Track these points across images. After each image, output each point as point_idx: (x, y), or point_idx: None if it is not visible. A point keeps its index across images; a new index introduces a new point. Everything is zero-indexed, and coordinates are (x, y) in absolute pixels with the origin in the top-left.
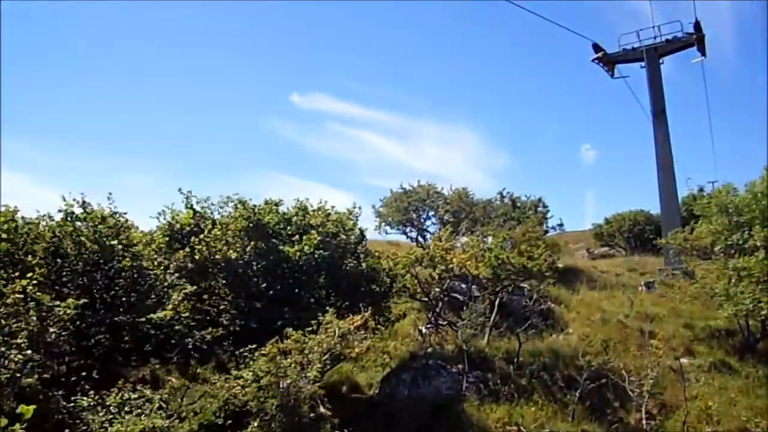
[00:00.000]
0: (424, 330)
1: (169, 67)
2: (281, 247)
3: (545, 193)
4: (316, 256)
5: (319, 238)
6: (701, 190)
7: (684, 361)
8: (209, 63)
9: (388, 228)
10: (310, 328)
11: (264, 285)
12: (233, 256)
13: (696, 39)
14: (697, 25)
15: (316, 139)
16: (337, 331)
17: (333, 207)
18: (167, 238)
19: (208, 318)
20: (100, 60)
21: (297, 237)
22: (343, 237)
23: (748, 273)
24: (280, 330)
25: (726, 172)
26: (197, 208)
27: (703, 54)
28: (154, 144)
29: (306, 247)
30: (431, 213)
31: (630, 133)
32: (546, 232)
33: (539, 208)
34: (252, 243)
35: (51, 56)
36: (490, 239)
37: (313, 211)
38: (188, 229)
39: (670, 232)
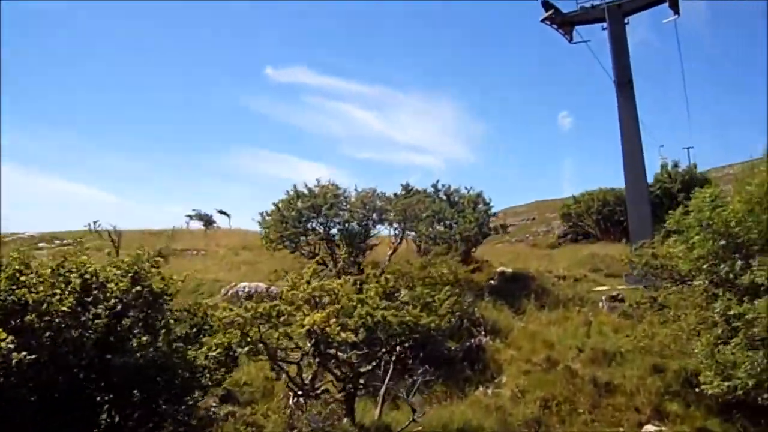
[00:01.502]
0: (291, 403)
1: (136, 39)
2: None
3: (522, 163)
4: None
5: None
6: (676, 165)
7: (650, 430)
8: (177, 35)
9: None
10: None
11: None
12: None
13: None
14: None
15: (292, 112)
16: None
17: None
18: None
19: None
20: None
21: None
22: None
23: (745, 325)
24: None
25: (702, 138)
26: None
27: (677, 12)
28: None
29: None
30: (333, 220)
31: (607, 101)
32: (487, 235)
33: (479, 206)
34: None
35: None
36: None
37: None
38: None
39: (635, 247)
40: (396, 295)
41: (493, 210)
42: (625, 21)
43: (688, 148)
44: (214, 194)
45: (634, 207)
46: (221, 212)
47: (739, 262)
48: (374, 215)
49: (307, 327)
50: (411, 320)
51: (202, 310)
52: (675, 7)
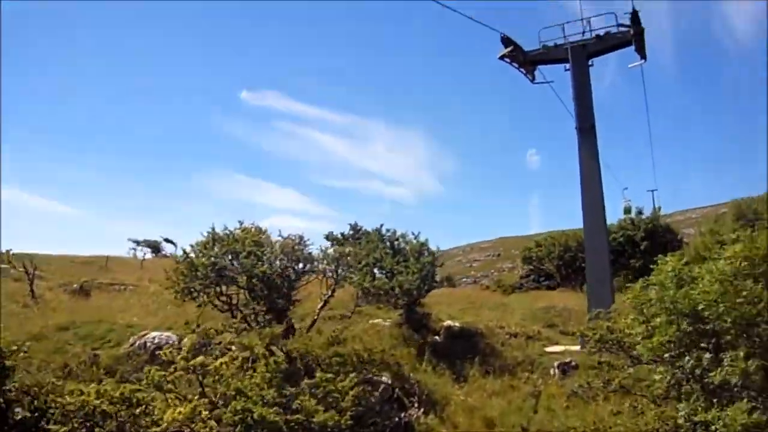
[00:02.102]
0: None
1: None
2: None
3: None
4: None
5: None
6: (640, 212)
7: None
8: (155, 54)
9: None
10: None
11: None
12: None
13: (633, 35)
14: (634, 17)
15: (266, 136)
16: None
17: None
18: None
19: None
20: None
21: None
22: None
23: None
24: None
25: (666, 182)
26: None
27: (643, 56)
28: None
29: None
30: (252, 269)
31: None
32: (430, 289)
33: (422, 256)
34: None
35: None
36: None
37: None
38: None
39: (589, 317)
40: (295, 378)
41: (444, 253)
42: (590, 63)
43: (652, 191)
44: (185, 216)
45: (592, 259)
46: (167, 240)
47: (708, 355)
48: (299, 265)
49: (165, 425)
50: (301, 418)
51: (45, 391)
52: (641, 51)
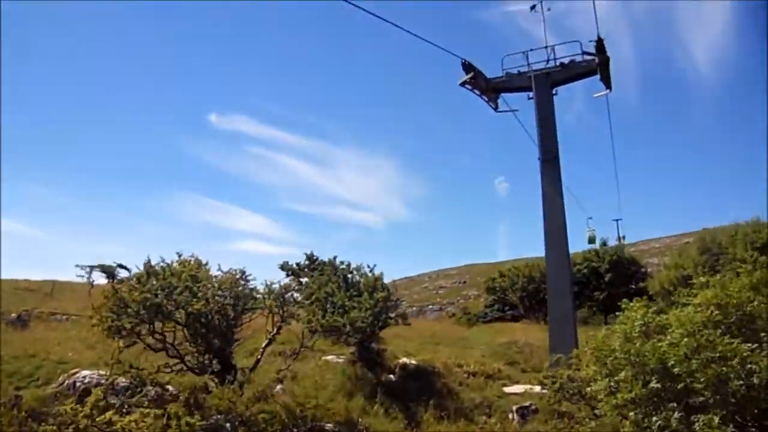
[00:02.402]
0: None
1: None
2: None
3: (458, 225)
4: None
5: None
6: (604, 243)
7: None
8: (120, 73)
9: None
10: None
11: None
12: None
13: (598, 64)
14: (599, 45)
15: (234, 161)
16: None
17: None
18: None
19: None
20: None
21: None
22: None
23: None
24: None
25: (631, 210)
26: None
27: (608, 86)
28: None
29: None
30: (188, 306)
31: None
32: (384, 326)
33: (376, 291)
34: None
35: None
36: None
37: None
38: None
39: (549, 363)
40: None
41: (410, 279)
42: (554, 92)
43: (617, 220)
44: (154, 237)
45: (554, 300)
46: (121, 266)
47: (678, 415)
48: (240, 302)
49: None
50: None
51: None
52: (606, 81)
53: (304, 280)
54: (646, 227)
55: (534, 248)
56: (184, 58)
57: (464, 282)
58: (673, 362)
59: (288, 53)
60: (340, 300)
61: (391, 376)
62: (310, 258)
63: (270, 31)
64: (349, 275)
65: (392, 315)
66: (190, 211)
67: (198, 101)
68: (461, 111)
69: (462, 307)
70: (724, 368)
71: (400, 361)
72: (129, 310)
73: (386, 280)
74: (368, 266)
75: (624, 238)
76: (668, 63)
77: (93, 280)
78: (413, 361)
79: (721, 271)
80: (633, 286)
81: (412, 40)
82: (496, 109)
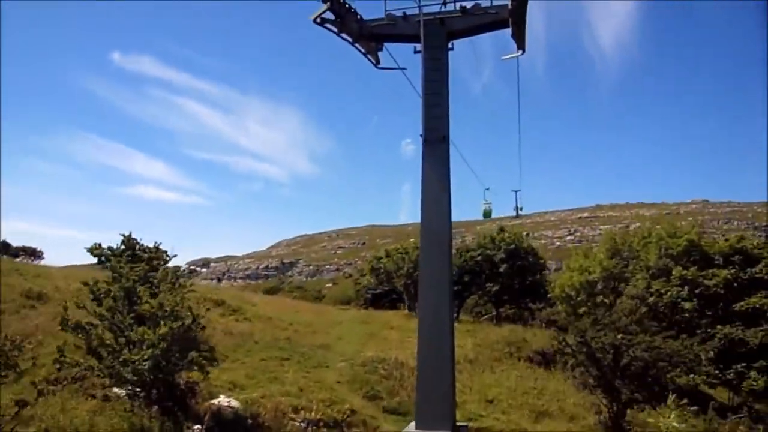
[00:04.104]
0: None
1: None
2: None
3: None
4: None
5: None
6: (502, 230)
7: None
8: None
9: None
10: None
11: None
12: None
13: (511, 12)
14: None
15: (135, 102)
16: None
17: None
18: None
19: None
20: None
21: None
22: None
23: None
24: None
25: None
26: None
27: (521, 47)
28: None
29: None
30: None
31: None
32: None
33: (170, 318)
34: None
35: None
36: None
37: None
38: None
39: (417, 401)
40: None
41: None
42: (449, 46)
43: (516, 191)
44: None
45: (429, 302)
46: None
47: None
48: None
49: None
50: None
51: None
52: (520, 40)
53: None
54: (544, 201)
55: None
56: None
57: (363, 243)
58: None
59: None
60: (124, 322)
61: (197, 427)
62: (128, 242)
63: None
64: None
65: (191, 356)
66: (87, 151)
67: (100, 37)
68: (371, 69)
69: (353, 277)
70: None
71: (215, 403)
72: None
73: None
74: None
75: (521, 209)
76: (575, 40)
77: None
78: (233, 403)
79: (631, 281)
80: (530, 278)
81: None
82: (377, 64)
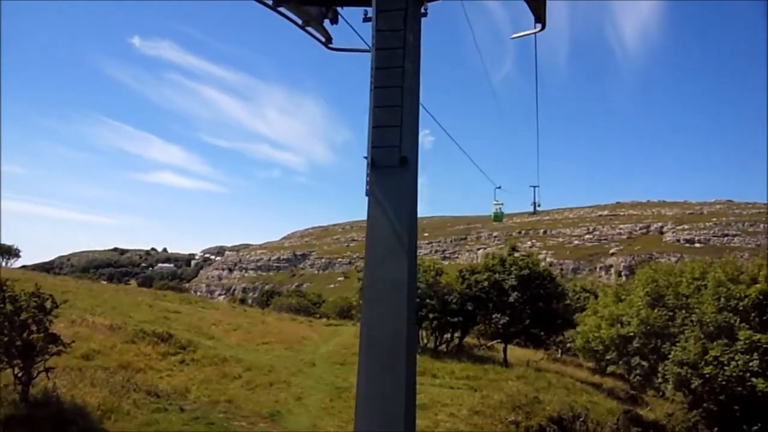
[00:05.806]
0: None
1: None
2: None
3: None
4: None
5: None
6: (513, 249)
7: None
8: None
9: None
10: None
11: None
12: None
13: None
14: None
15: (154, 87)
16: None
17: None
18: None
19: None
20: None
21: None
22: None
23: None
24: None
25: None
26: None
27: (540, 22)
28: None
29: None
30: None
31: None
32: None
33: None
34: None
35: None
36: None
37: None
38: None
39: None
40: None
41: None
42: (423, 10)
43: (534, 187)
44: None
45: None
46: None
47: None
48: None
49: None
50: None
51: None
52: (538, 11)
53: None
54: (563, 198)
55: (456, 206)
56: None
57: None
58: None
59: None
60: None
61: None
62: None
63: None
64: None
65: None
66: (106, 136)
67: (120, 22)
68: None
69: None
70: None
71: None
72: None
73: None
74: None
75: (539, 204)
76: (600, 37)
77: None
78: None
79: (679, 340)
80: (544, 306)
81: None
82: (327, 43)
